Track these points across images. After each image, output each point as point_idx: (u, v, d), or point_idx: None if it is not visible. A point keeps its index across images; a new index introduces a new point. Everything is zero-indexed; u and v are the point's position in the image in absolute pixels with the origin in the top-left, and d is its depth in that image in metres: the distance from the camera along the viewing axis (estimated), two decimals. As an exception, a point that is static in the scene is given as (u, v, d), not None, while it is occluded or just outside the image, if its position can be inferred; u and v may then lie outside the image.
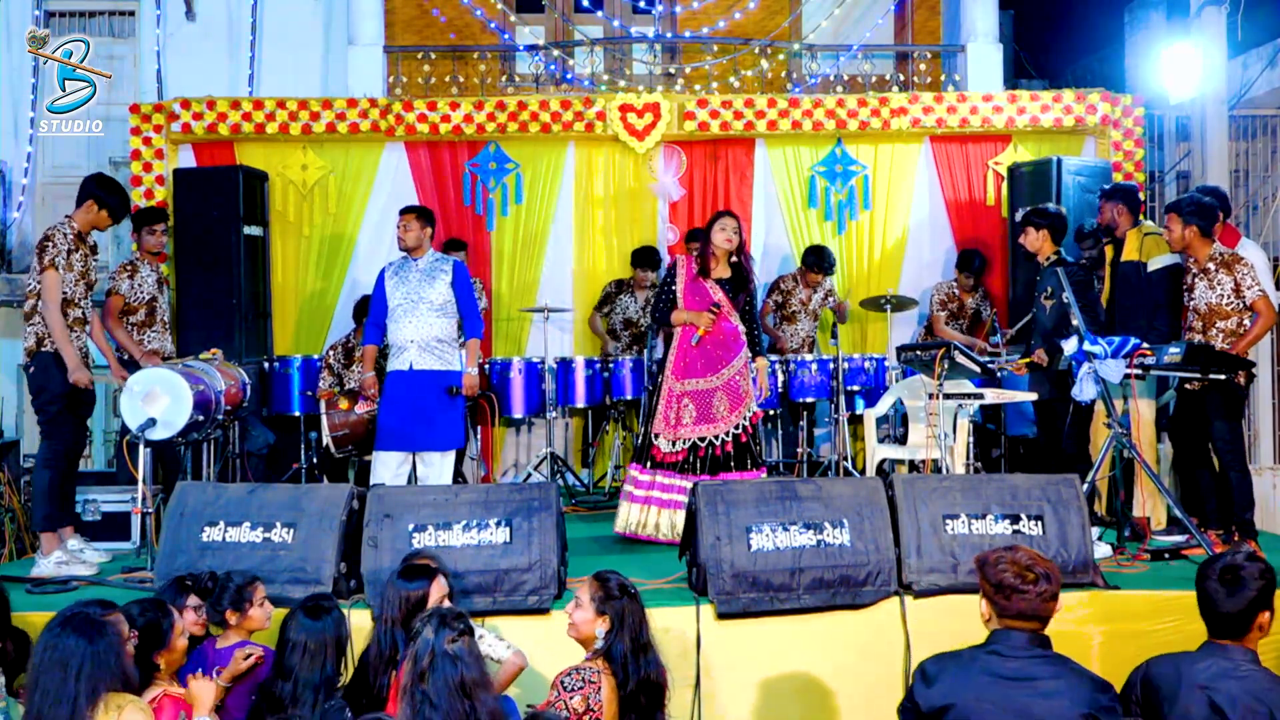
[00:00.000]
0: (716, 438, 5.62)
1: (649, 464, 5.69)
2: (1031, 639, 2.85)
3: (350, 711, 3.42)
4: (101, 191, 5.47)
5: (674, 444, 5.63)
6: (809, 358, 7.18)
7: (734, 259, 5.79)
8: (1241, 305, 5.29)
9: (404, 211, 6.19)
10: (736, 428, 5.65)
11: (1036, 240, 5.99)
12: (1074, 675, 2.82)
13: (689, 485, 5.44)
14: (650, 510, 5.65)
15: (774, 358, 7.18)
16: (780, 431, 7.58)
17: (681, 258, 5.93)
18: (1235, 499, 5.29)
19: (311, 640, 3.48)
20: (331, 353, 7.10)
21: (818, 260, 7.51)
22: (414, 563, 3.80)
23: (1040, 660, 2.83)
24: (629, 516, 5.70)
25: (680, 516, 5.53)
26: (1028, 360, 5.98)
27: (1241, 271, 5.29)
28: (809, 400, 7.21)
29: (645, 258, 7.69)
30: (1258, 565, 3.04)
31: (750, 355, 5.78)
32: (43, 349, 5.30)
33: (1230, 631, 3.02)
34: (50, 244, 5.29)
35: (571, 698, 3.25)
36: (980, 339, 7.50)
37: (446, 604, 3.58)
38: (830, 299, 7.75)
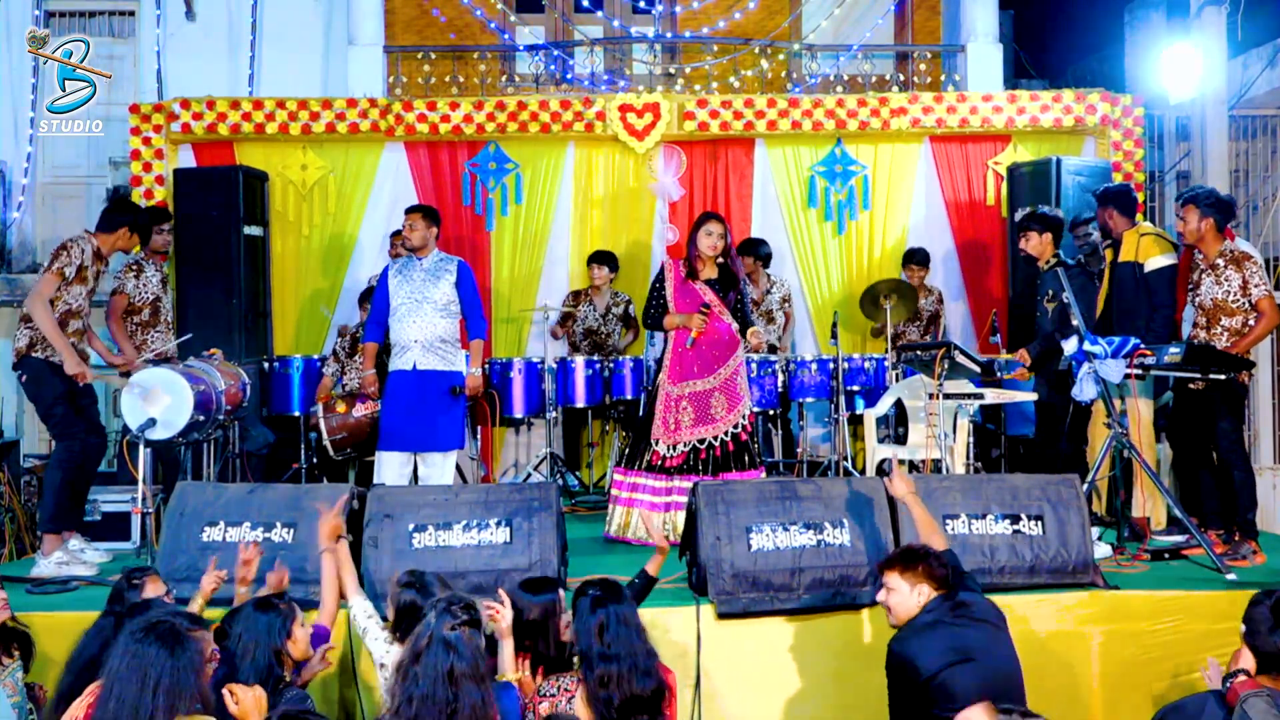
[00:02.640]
0: (716, 438, 5.63)
1: (633, 466, 5.71)
2: None
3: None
4: (131, 218, 5.56)
5: (673, 448, 5.63)
6: (808, 357, 7.16)
7: (720, 260, 5.79)
8: (1248, 304, 5.26)
9: (409, 211, 6.19)
10: (736, 427, 5.65)
11: (1040, 244, 6.00)
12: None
13: (681, 486, 5.49)
14: (635, 512, 5.66)
15: (773, 358, 7.17)
16: (780, 431, 7.58)
17: (669, 261, 5.94)
18: (1238, 498, 5.26)
19: (249, 635, 3.35)
20: (339, 339, 7.11)
21: (753, 249, 7.48)
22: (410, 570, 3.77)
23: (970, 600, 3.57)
24: (614, 519, 5.73)
25: (666, 517, 5.56)
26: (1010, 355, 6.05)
27: (1250, 269, 5.26)
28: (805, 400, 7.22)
29: (596, 256, 7.64)
30: None
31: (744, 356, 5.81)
32: (33, 354, 5.29)
33: None
34: (66, 254, 5.31)
35: (540, 703, 3.33)
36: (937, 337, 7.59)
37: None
38: (787, 305, 7.68)
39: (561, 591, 3.67)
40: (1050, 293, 5.92)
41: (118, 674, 2.77)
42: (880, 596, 3.63)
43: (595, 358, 7.33)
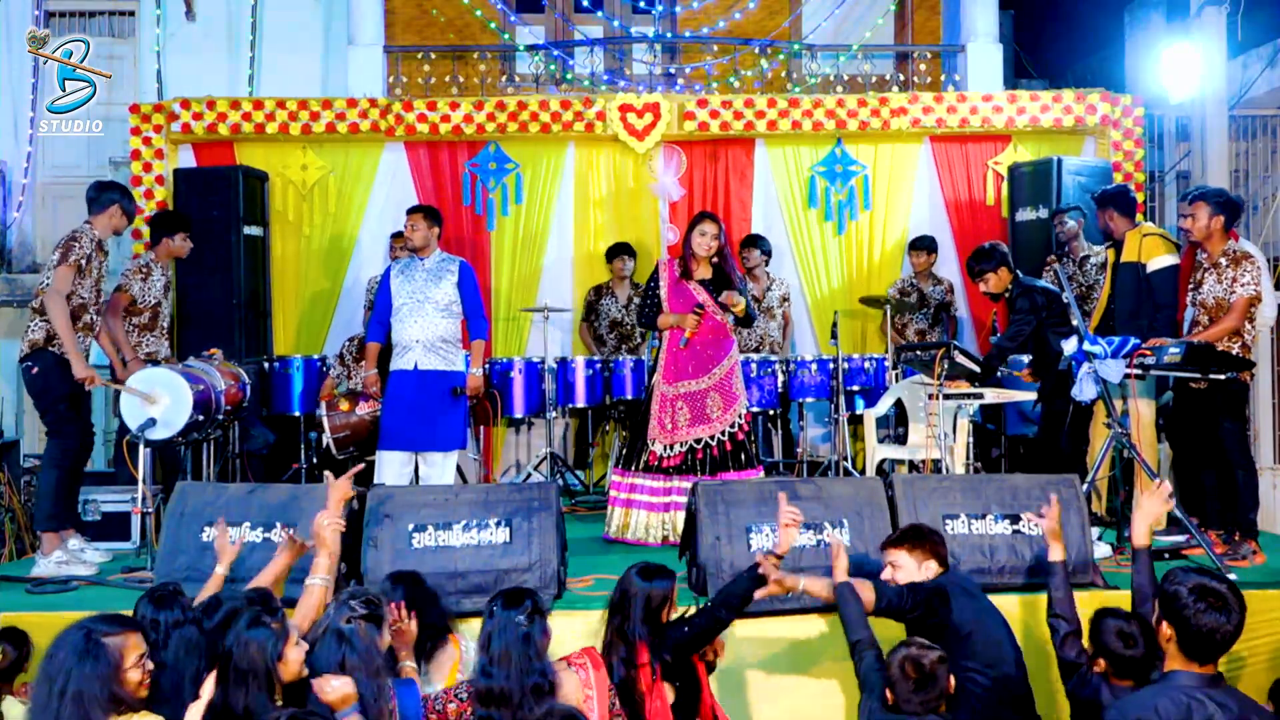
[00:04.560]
0: (713, 438, 5.63)
1: (632, 467, 5.71)
2: None
3: None
4: (121, 195, 5.54)
5: (670, 448, 5.63)
6: (808, 358, 7.16)
7: (715, 260, 5.78)
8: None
9: (411, 211, 6.20)
10: (732, 426, 5.65)
11: (999, 280, 5.88)
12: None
13: (680, 486, 5.49)
14: (634, 513, 5.67)
15: (774, 358, 7.17)
16: (780, 431, 7.58)
17: (663, 260, 5.94)
18: (1241, 498, 5.25)
19: (239, 655, 3.00)
20: (348, 344, 7.12)
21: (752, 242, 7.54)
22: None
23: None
24: (614, 520, 5.73)
25: (665, 518, 5.56)
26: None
27: (1246, 269, 5.25)
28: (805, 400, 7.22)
29: (616, 249, 7.71)
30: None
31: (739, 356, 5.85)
32: (50, 348, 5.29)
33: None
34: (76, 244, 5.31)
35: (450, 703, 3.35)
36: (951, 330, 7.58)
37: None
38: (786, 304, 7.70)
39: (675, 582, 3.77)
40: (1017, 305, 5.89)
41: (38, 675, 2.83)
42: (885, 575, 3.77)
43: (595, 358, 7.34)
